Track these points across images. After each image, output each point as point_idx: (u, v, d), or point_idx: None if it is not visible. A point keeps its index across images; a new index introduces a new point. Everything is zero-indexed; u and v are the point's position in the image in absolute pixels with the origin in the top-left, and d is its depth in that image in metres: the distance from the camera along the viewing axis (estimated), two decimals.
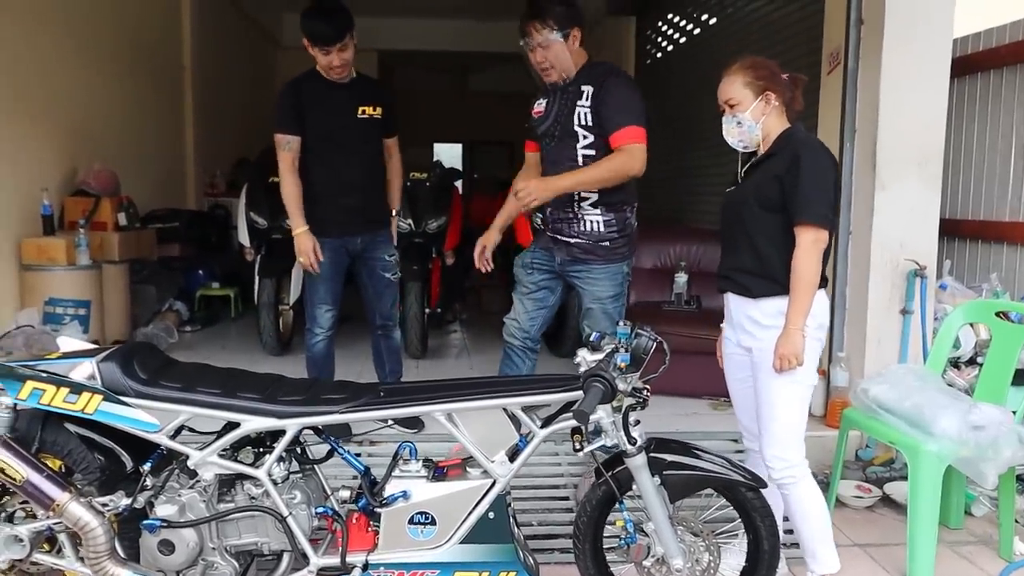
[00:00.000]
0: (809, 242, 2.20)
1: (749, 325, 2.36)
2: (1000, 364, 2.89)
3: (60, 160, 4.89)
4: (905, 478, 2.93)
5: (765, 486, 2.12)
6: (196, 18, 7.23)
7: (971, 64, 4.31)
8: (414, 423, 3.39)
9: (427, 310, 5.00)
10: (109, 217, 4.91)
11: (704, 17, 6.33)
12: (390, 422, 3.31)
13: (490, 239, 3.09)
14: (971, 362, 3.61)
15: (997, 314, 2.97)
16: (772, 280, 2.29)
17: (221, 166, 7.74)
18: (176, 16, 7.03)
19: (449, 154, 14.03)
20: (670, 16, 7.11)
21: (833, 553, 2.38)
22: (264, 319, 4.86)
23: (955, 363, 3.55)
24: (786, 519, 2.68)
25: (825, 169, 2.24)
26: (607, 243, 2.90)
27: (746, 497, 2.09)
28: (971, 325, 3.48)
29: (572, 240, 2.91)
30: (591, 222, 2.88)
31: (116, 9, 5.63)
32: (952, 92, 3.80)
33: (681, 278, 4.61)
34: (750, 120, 2.33)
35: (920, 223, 3.56)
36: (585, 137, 2.85)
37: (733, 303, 2.43)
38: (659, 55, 7.51)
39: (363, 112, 3.31)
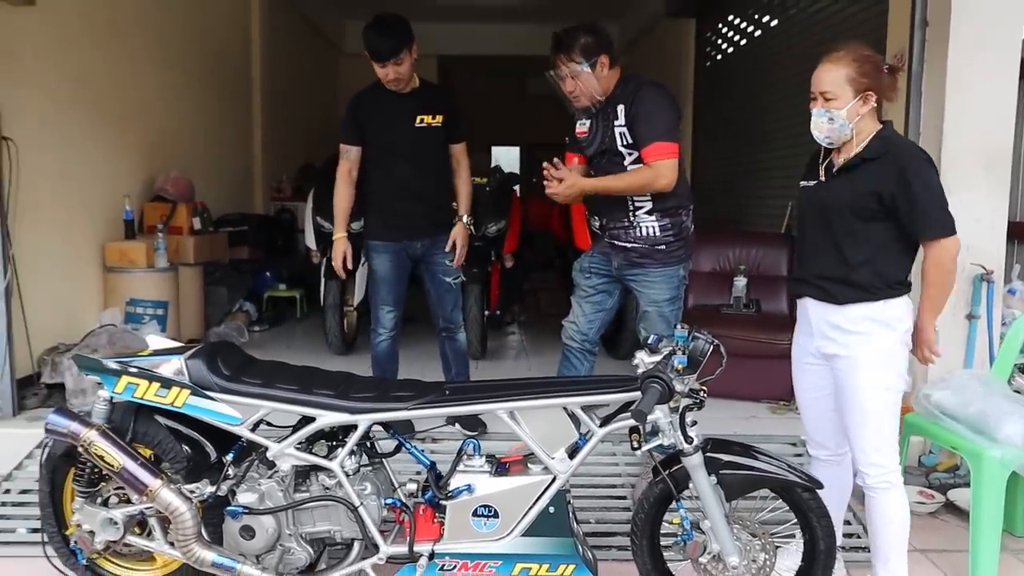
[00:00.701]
0: (941, 254, 2.19)
1: (832, 332, 2.30)
2: None
3: (139, 168, 5.16)
4: (968, 484, 2.89)
5: (822, 487, 2.14)
6: (264, 29, 7.51)
7: None
8: (475, 425, 3.49)
9: (487, 312, 5.10)
10: (185, 222, 5.15)
11: (766, 19, 6.28)
12: (456, 424, 3.47)
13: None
14: None
15: None
16: (859, 288, 2.25)
17: (287, 171, 8.01)
18: (245, 28, 7.31)
19: (507, 157, 14.17)
20: (731, 18, 7.06)
21: (904, 563, 2.36)
22: (330, 319, 5.04)
23: None
24: (847, 523, 2.70)
25: (934, 178, 2.19)
26: (663, 247, 2.95)
27: (802, 498, 2.12)
28: None
29: (629, 245, 2.97)
30: (647, 228, 2.94)
31: (189, 24, 5.90)
32: (1022, 93, 3.73)
33: (740, 281, 4.61)
34: (844, 119, 2.20)
35: (987, 227, 3.50)
36: (630, 154, 2.91)
37: (812, 309, 2.37)
38: (719, 57, 7.46)
39: (421, 121, 3.41)
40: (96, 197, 4.63)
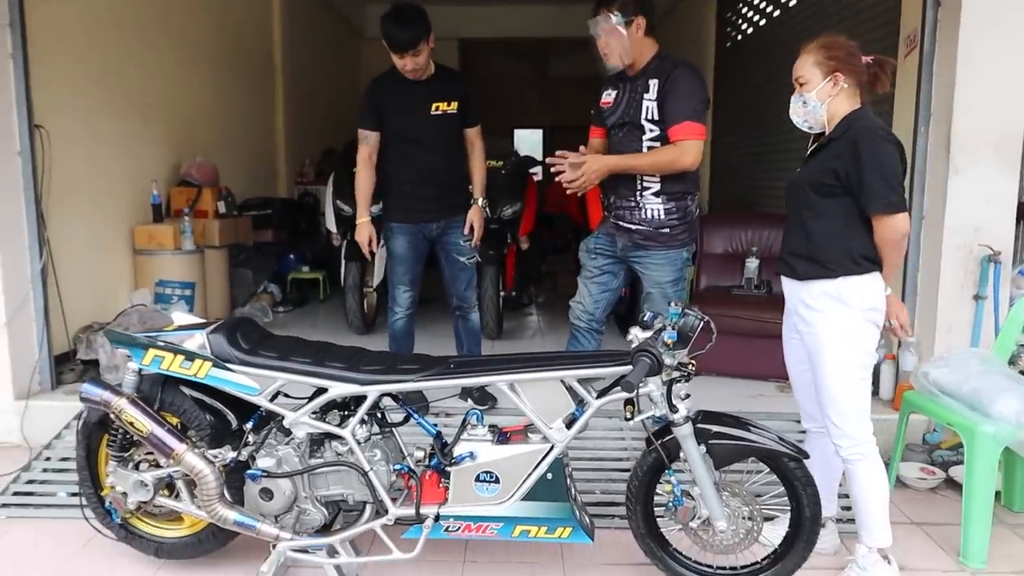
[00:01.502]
0: (885, 229, 2.25)
1: (800, 308, 2.41)
2: None
3: (166, 154, 5.32)
4: None
5: (807, 457, 2.23)
6: (286, 16, 7.63)
7: None
8: (486, 399, 3.62)
9: (502, 293, 5.21)
10: (210, 206, 5.31)
11: None
12: (468, 400, 3.59)
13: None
14: None
15: None
16: (818, 263, 2.33)
17: (310, 155, 8.17)
18: (267, 15, 7.44)
19: (529, 140, 14.21)
20: None
21: (887, 529, 2.44)
22: (350, 300, 5.19)
23: None
24: (844, 496, 2.78)
25: (886, 155, 2.23)
26: (667, 230, 3.02)
27: (789, 467, 2.22)
28: None
29: (634, 227, 3.04)
30: (652, 210, 3.01)
31: (213, 12, 6.04)
32: None
33: (752, 263, 4.67)
34: (815, 100, 2.34)
35: (996, 207, 3.52)
36: (651, 130, 2.96)
37: (786, 287, 2.50)
38: (739, 38, 7.46)
39: (436, 108, 3.51)
40: (125, 182, 4.79)
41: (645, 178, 3.01)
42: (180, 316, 2.59)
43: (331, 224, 5.42)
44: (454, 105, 3.54)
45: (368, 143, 3.57)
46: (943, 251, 3.57)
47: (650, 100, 2.95)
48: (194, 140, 5.63)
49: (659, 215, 3.02)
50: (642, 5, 2.96)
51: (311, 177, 7.89)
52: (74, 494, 3.08)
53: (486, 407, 3.55)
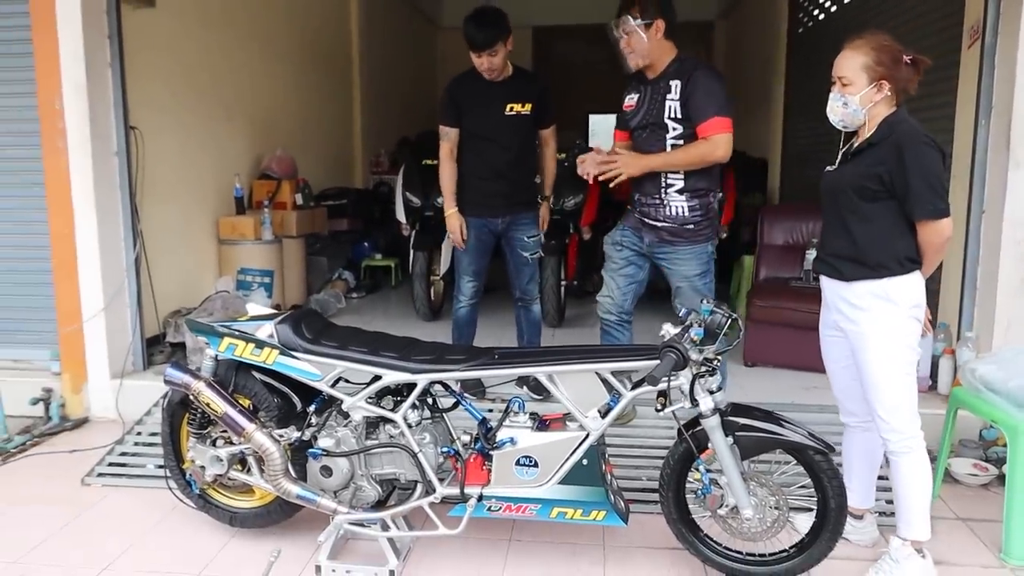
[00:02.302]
0: (930, 234, 2.29)
1: (844, 307, 2.45)
2: None
3: (248, 148, 5.66)
4: None
5: (833, 451, 2.30)
6: (363, 10, 7.90)
7: None
8: (541, 389, 3.77)
9: (563, 283, 5.35)
10: (288, 198, 5.63)
11: None
12: (524, 388, 3.76)
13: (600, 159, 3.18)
14: None
15: None
16: (865, 266, 2.37)
17: (385, 145, 8.45)
18: (346, 9, 7.72)
19: (604, 125, 14.17)
20: None
21: (927, 523, 2.47)
22: (417, 288, 5.42)
23: None
24: (886, 489, 2.83)
25: (931, 160, 2.25)
26: (692, 226, 3.13)
27: (814, 460, 2.30)
28: None
29: (659, 224, 3.16)
30: (676, 207, 3.12)
31: (294, 9, 6.34)
32: None
33: (812, 254, 4.65)
34: (857, 104, 2.35)
35: None
36: (675, 129, 3.08)
37: (827, 286, 2.54)
38: (811, 24, 7.32)
39: (511, 109, 3.67)
40: (210, 176, 5.14)
41: (669, 176, 3.12)
42: (254, 307, 2.84)
43: (400, 215, 5.65)
44: (528, 107, 3.68)
45: (449, 139, 3.76)
46: (1002, 245, 3.51)
47: (673, 100, 3.06)
48: (274, 134, 5.95)
49: (683, 212, 3.13)
50: (662, 9, 3.07)
51: (386, 167, 8.17)
52: (160, 466, 3.37)
53: (541, 397, 3.71)
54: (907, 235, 2.34)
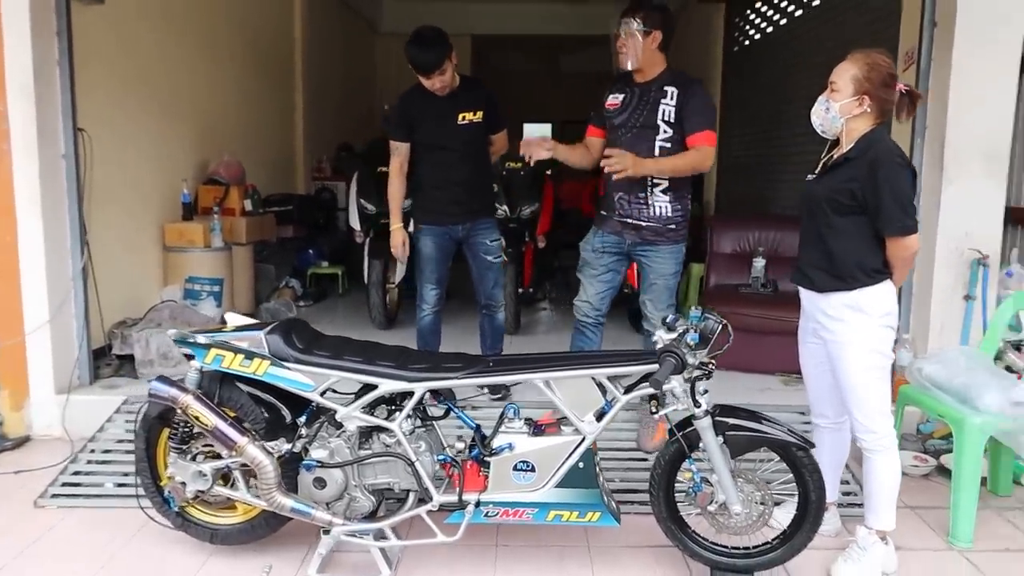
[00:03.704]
0: (899, 249, 2.43)
1: (821, 317, 2.58)
2: None
3: (193, 153, 5.51)
4: None
5: (813, 446, 2.46)
6: (305, 14, 7.80)
7: None
8: (499, 389, 3.86)
9: (520, 290, 5.43)
10: (237, 204, 5.50)
11: (791, 8, 6.46)
12: (484, 389, 3.81)
13: (555, 149, 3.33)
14: None
15: None
16: (836, 277, 2.50)
17: (327, 151, 8.35)
18: (288, 13, 7.61)
19: (539, 134, 14.34)
20: (759, 5, 7.24)
21: (893, 514, 2.65)
22: (373, 296, 5.37)
23: (1017, 346, 3.73)
24: (845, 482, 3.01)
25: (902, 181, 2.37)
26: (674, 226, 3.31)
27: (797, 456, 2.44)
28: None
29: (644, 224, 3.31)
30: (660, 207, 3.28)
31: (237, 15, 6.22)
32: (1023, 86, 3.92)
33: (759, 262, 4.88)
34: (836, 112, 2.45)
35: (985, 214, 3.75)
36: (665, 132, 3.24)
37: (804, 296, 2.67)
38: (747, 43, 7.65)
39: (463, 119, 3.72)
40: (154, 180, 4.98)
41: (655, 176, 3.26)
42: (233, 317, 2.79)
43: (355, 222, 5.57)
44: (479, 114, 3.75)
45: (399, 154, 3.80)
46: (936, 255, 3.78)
47: (667, 104, 3.23)
48: (218, 138, 5.81)
49: (667, 212, 3.29)
50: (664, 23, 3.25)
51: (328, 173, 8.08)
52: (121, 484, 3.29)
53: (499, 396, 3.80)
54: (876, 249, 2.48)
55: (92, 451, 3.59)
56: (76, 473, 3.43)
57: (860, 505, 3.09)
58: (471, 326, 4.23)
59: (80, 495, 3.27)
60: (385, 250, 5.36)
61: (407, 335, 4.62)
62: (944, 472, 3.47)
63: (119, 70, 4.53)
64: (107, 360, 4.28)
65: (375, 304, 5.36)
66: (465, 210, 3.81)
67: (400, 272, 5.41)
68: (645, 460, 3.49)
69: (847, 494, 3.18)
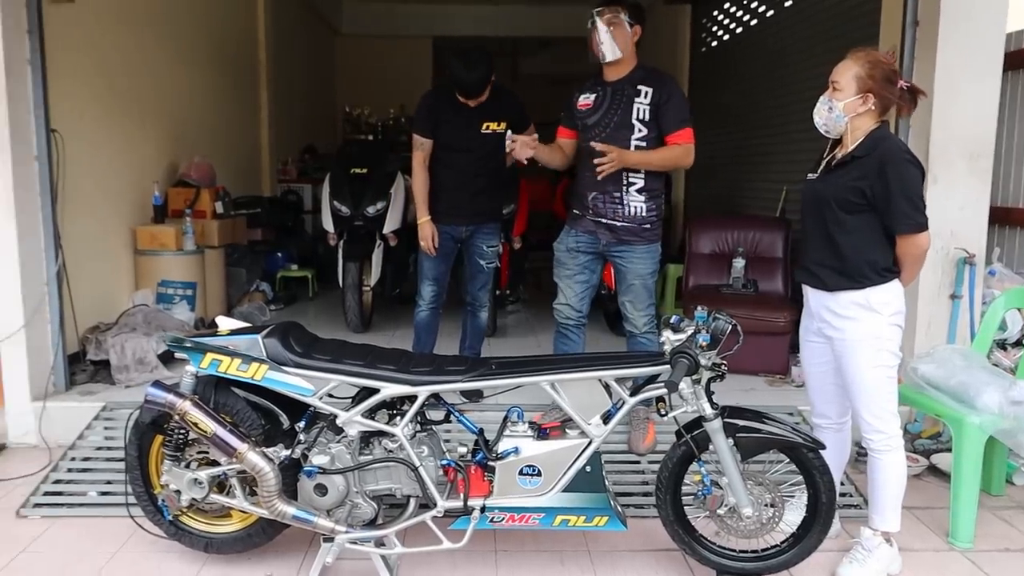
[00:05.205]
0: (910, 247, 2.44)
1: (828, 316, 2.57)
2: None
3: (162, 155, 5.35)
4: (950, 450, 3.20)
5: (824, 447, 2.44)
6: (269, 15, 7.68)
7: None
8: (472, 394, 3.76)
9: (496, 292, 5.37)
10: (208, 206, 5.36)
11: (761, 8, 6.51)
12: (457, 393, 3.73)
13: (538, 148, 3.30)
14: (1017, 344, 3.87)
15: None
16: (846, 276, 2.49)
17: (291, 153, 8.23)
18: (252, 14, 7.48)
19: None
20: (727, 6, 7.29)
21: (898, 516, 2.63)
22: (349, 299, 5.27)
23: (1002, 345, 3.81)
24: (841, 483, 3.01)
25: (911, 177, 2.38)
26: (648, 226, 3.30)
27: (807, 457, 2.43)
28: (1018, 309, 3.74)
29: (619, 223, 3.28)
30: (635, 207, 3.27)
31: (203, 15, 6.08)
32: (1006, 85, 3.99)
33: (739, 263, 4.90)
34: (840, 110, 2.43)
35: (970, 213, 3.79)
36: (640, 131, 3.23)
37: (811, 295, 2.65)
38: (714, 44, 7.71)
39: (487, 128, 3.72)
40: (124, 182, 4.82)
41: (631, 175, 3.25)
42: (225, 321, 2.70)
43: (328, 224, 5.46)
44: (503, 125, 3.72)
45: (423, 149, 3.77)
46: None
47: (641, 103, 3.22)
48: (186, 140, 5.66)
49: (641, 211, 3.27)
50: (642, 20, 3.28)
51: (294, 175, 7.97)
52: (104, 493, 3.19)
53: (472, 400, 3.75)
54: (885, 246, 2.48)
55: (73, 459, 3.47)
56: (58, 482, 3.31)
57: (857, 506, 3.12)
58: (449, 327, 4.20)
59: (63, 504, 3.16)
60: (359, 252, 5.31)
61: (383, 338, 4.54)
62: (935, 472, 3.50)
63: (90, 69, 4.38)
64: (82, 366, 4.15)
65: (351, 307, 5.26)
66: (472, 212, 3.83)
67: (375, 274, 5.32)
68: (637, 463, 3.47)
69: (843, 495, 3.19)
